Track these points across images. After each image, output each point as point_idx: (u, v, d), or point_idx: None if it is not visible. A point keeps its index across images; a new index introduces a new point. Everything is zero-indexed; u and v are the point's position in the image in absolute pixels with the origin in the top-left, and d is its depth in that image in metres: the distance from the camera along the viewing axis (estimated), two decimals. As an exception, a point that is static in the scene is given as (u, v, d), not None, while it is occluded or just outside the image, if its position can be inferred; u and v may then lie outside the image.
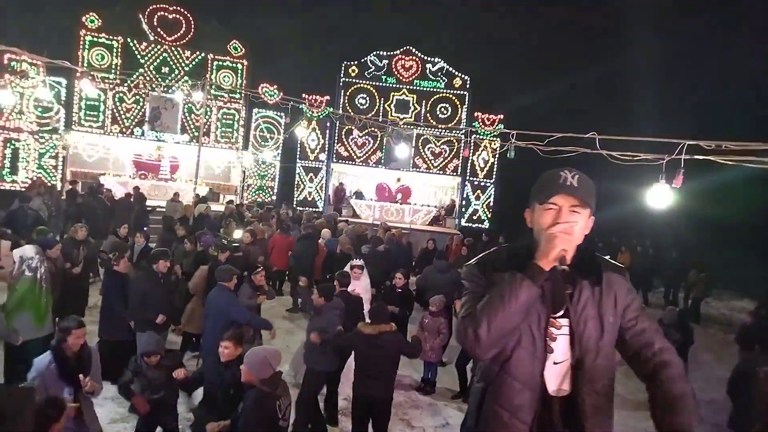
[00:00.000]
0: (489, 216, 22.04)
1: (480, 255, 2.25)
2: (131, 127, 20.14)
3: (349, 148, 22.00)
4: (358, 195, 21.99)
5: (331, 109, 20.23)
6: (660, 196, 6.96)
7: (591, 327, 2.01)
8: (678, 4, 22.26)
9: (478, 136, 21.35)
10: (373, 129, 20.95)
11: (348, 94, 21.62)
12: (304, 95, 19.38)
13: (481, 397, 2.13)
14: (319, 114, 20.72)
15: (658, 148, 7.38)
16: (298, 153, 21.87)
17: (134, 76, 19.68)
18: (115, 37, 19.62)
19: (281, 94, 16.06)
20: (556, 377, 2.03)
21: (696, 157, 6.77)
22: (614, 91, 22.55)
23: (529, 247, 2.05)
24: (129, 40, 19.75)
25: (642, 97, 19.74)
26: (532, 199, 2.08)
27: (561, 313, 2.03)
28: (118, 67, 19.59)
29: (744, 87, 20.23)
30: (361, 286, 7.53)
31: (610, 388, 2.09)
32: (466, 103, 21.73)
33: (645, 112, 18.34)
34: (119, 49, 19.73)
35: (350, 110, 20.74)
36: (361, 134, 21.71)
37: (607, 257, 2.20)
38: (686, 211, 14.21)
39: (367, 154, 22.06)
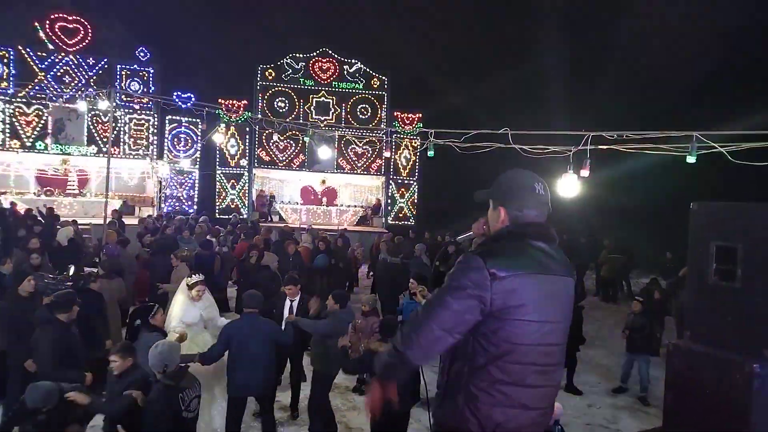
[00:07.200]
0: (414, 213, 22.43)
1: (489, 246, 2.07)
2: (33, 141, 18.88)
3: (271, 153, 21.66)
4: (261, 195, 21.83)
5: (250, 114, 19.85)
6: (568, 186, 7.41)
7: None
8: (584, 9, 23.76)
9: (398, 135, 21.67)
10: (294, 132, 20.74)
11: (266, 97, 21.28)
12: (220, 100, 18.91)
13: None
14: (237, 119, 20.28)
15: (570, 141, 7.84)
16: (218, 160, 21.28)
17: (32, 87, 18.45)
18: (8, 47, 18.32)
19: (193, 99, 15.55)
20: None
21: (600, 147, 7.26)
22: (528, 89, 23.56)
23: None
24: (24, 48, 18.49)
25: (554, 93, 20.77)
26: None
27: None
28: (13, 79, 18.32)
29: (642, 82, 21.85)
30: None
31: None
32: (386, 103, 22.00)
33: (557, 108, 19.31)
34: (14, 59, 18.44)
35: (269, 114, 20.43)
36: (282, 137, 21.44)
37: None
38: (595, 198, 15.11)
39: (289, 158, 21.81)
